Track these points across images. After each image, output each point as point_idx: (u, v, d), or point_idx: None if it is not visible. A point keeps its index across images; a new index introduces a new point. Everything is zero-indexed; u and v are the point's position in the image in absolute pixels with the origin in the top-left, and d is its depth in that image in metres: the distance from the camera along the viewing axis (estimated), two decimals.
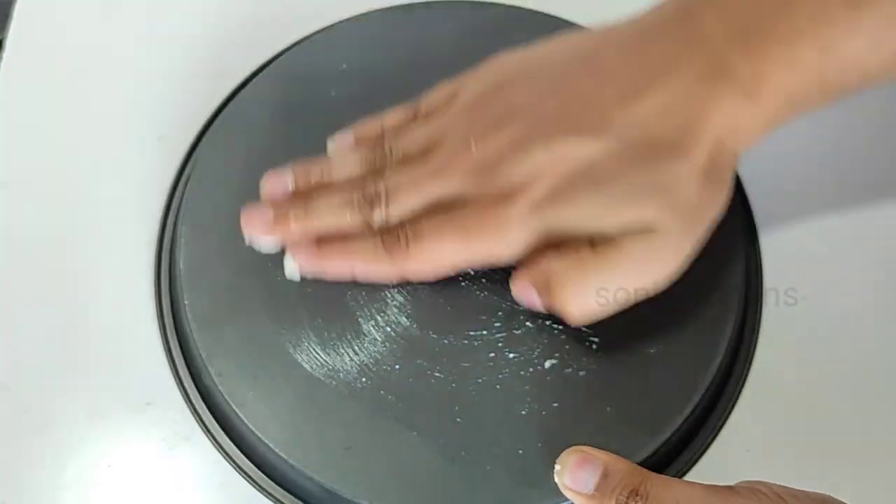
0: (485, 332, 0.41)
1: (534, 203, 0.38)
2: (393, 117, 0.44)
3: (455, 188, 0.39)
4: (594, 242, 0.38)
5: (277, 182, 0.42)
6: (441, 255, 0.40)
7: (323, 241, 0.41)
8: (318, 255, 0.41)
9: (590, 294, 0.38)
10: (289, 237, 0.41)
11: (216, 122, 0.47)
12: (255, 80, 0.48)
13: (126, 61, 0.50)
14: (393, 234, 0.40)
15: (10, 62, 0.50)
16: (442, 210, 0.40)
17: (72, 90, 0.49)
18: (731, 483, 0.37)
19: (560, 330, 0.41)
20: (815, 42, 0.36)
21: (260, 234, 0.42)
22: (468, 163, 0.39)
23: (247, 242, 0.42)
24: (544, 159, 0.38)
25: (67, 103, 0.49)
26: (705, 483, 0.36)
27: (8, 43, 0.50)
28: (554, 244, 0.39)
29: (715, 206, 0.39)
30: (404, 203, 0.40)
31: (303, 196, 0.42)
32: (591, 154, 0.38)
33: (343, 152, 0.43)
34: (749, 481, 0.36)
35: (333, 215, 0.41)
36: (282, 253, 0.42)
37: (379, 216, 0.40)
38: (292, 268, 0.42)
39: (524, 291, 0.40)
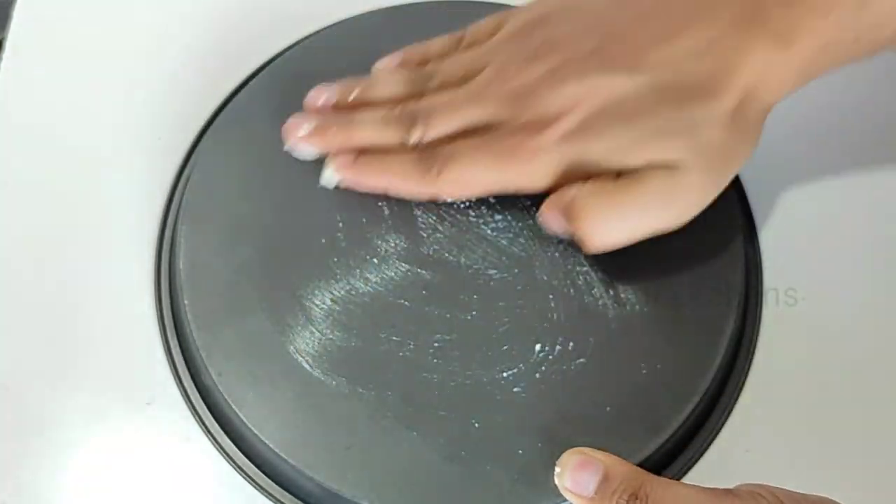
0: (484, 332, 0.41)
1: (564, 133, 0.39)
2: (438, 44, 0.45)
3: (490, 113, 0.41)
4: (620, 176, 0.39)
5: (322, 94, 0.44)
6: (473, 177, 0.41)
7: (361, 154, 0.42)
8: (356, 166, 0.42)
9: (611, 222, 0.40)
10: (328, 147, 0.43)
11: (216, 122, 0.47)
12: (255, 80, 0.48)
13: (126, 61, 0.50)
14: (428, 154, 0.41)
15: (10, 62, 0.50)
16: (477, 134, 0.41)
17: (71, 90, 0.49)
18: (732, 484, 0.37)
19: (560, 330, 0.41)
20: None
21: (301, 141, 0.43)
22: (505, 90, 0.41)
23: (286, 148, 0.43)
24: (578, 91, 0.39)
25: (67, 103, 0.49)
26: (705, 485, 0.36)
27: (8, 43, 0.50)
28: (582, 176, 0.40)
29: (740, 153, 0.40)
30: (441, 124, 0.41)
31: (345, 109, 0.43)
32: (623, 90, 0.39)
33: (387, 73, 0.45)
34: (749, 484, 0.36)
35: (373, 130, 0.42)
36: (281, 256, 0.42)
37: (416, 135, 0.42)
38: (330, 176, 0.43)
39: (550, 217, 0.41)
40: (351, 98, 0.44)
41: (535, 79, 0.41)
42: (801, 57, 0.38)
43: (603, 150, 0.39)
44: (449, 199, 0.43)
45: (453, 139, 0.41)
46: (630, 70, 0.39)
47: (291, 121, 0.43)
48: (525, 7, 0.44)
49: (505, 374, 0.40)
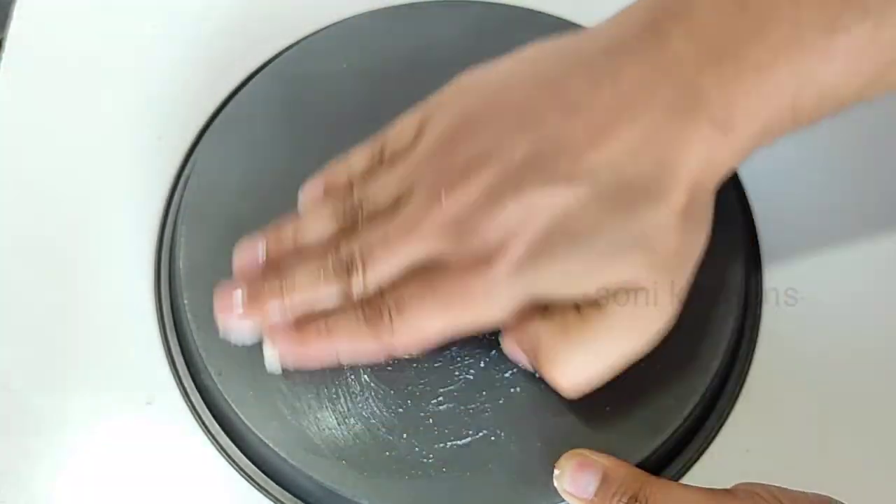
0: (485, 332, 0.41)
1: (514, 264, 0.36)
2: (359, 160, 0.41)
3: (430, 249, 0.37)
4: (579, 306, 0.36)
5: (249, 253, 0.40)
6: (426, 326, 0.38)
7: (301, 322, 0.39)
8: (298, 339, 0.39)
9: (580, 362, 0.37)
10: (265, 319, 0.39)
11: (216, 121, 0.47)
12: (255, 79, 0.48)
13: (126, 61, 0.50)
14: (374, 307, 0.38)
15: (10, 62, 0.50)
16: (421, 272, 0.37)
17: (71, 90, 0.49)
18: (730, 484, 0.37)
19: None
20: (791, 69, 0.34)
21: (236, 317, 0.39)
22: (439, 219, 0.37)
23: (221, 335, 0.40)
24: (518, 213, 0.36)
25: (67, 103, 0.49)
26: (704, 486, 0.36)
27: (8, 43, 0.50)
28: (541, 305, 0.37)
29: (696, 250, 0.37)
30: (380, 269, 0.38)
31: (276, 266, 0.40)
32: (565, 203, 0.35)
33: (313, 207, 0.41)
34: (747, 483, 0.36)
35: (310, 286, 0.39)
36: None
37: (357, 284, 0.38)
38: (272, 358, 0.40)
39: (515, 354, 0.39)
40: (280, 249, 0.40)
41: (469, 202, 0.37)
42: (742, 139, 0.35)
43: (556, 278, 0.36)
44: (404, 353, 0.40)
45: (398, 285, 0.38)
46: (569, 178, 0.35)
47: (220, 293, 0.40)
48: (441, 105, 0.40)
49: (506, 375, 0.40)
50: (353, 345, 0.38)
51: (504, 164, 0.37)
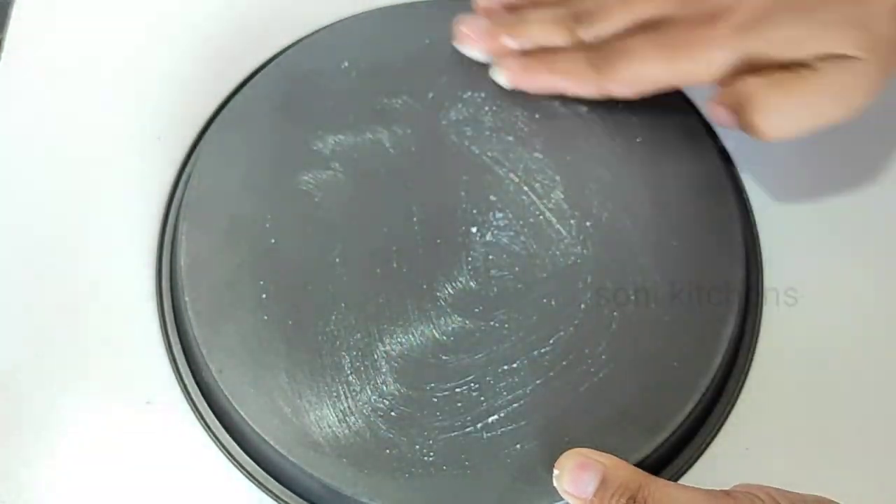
0: (485, 331, 0.41)
1: (738, 25, 0.40)
2: None
3: (663, 8, 0.42)
4: (791, 68, 0.40)
5: None
6: (644, 73, 0.42)
7: (530, 55, 0.44)
8: (526, 67, 0.44)
9: (786, 114, 0.40)
10: (499, 49, 0.44)
11: (217, 119, 0.47)
12: (255, 78, 0.48)
13: (126, 59, 0.50)
14: (599, 51, 0.42)
15: (10, 62, 0.50)
16: (648, 30, 0.42)
17: (71, 89, 0.49)
18: (730, 484, 0.37)
19: (561, 330, 0.41)
20: None
21: (473, 42, 0.45)
22: None
23: (458, 48, 0.45)
24: None
25: (67, 103, 0.49)
26: (702, 487, 0.36)
27: (7, 42, 0.50)
28: (752, 69, 0.40)
29: None
30: (611, 22, 0.42)
31: (515, 10, 0.44)
32: None
33: None
34: (746, 485, 0.36)
35: (542, 30, 0.44)
36: (281, 253, 0.42)
37: (587, 32, 0.43)
38: (502, 80, 0.44)
39: (720, 111, 0.42)
40: None
41: None
42: None
43: (778, 41, 0.40)
44: (619, 96, 0.43)
45: (624, 36, 0.42)
46: None
47: (464, 21, 0.45)
48: None
49: (507, 374, 0.40)
50: (573, 81, 0.43)
51: None
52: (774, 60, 0.40)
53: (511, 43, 0.44)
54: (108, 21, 0.51)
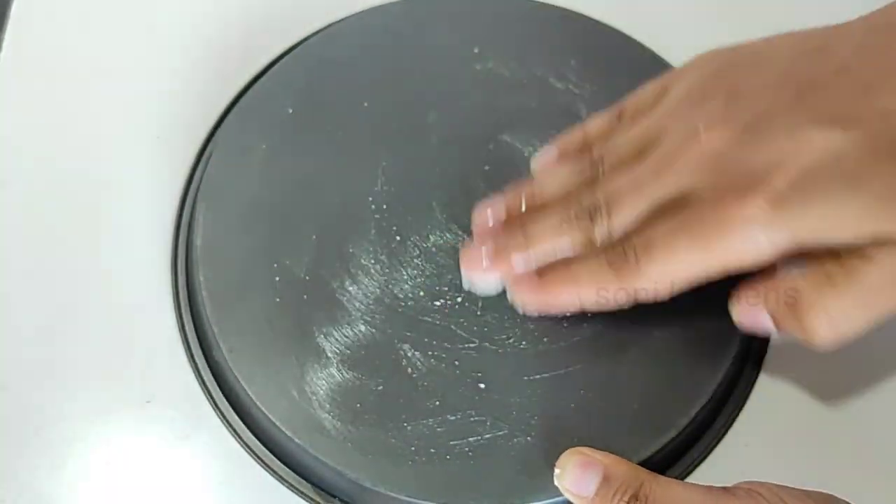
0: (489, 332, 0.41)
1: (777, 195, 0.33)
2: (595, 124, 0.41)
3: (684, 184, 0.35)
4: (838, 255, 0.34)
5: (490, 213, 0.41)
6: (676, 266, 0.35)
7: (544, 270, 0.39)
8: (541, 286, 0.39)
9: (846, 317, 0.34)
10: (510, 271, 0.40)
11: (239, 103, 0.47)
12: (277, 65, 0.48)
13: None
14: (618, 251, 0.37)
15: (10, 61, 0.50)
16: (669, 214, 0.36)
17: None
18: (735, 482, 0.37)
19: (564, 330, 0.41)
20: None
21: (482, 270, 0.40)
22: (697, 154, 0.35)
23: (466, 287, 0.41)
24: (787, 146, 0.34)
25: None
26: (704, 485, 0.36)
27: (6, 42, 0.50)
28: (796, 253, 0.34)
29: None
30: (627, 212, 0.37)
31: (518, 222, 0.40)
32: (839, 146, 0.33)
33: (549, 168, 0.41)
34: (748, 482, 0.36)
35: (553, 237, 0.38)
36: (297, 236, 0.42)
37: (601, 230, 0.37)
38: (518, 307, 0.40)
39: (751, 314, 0.36)
40: (519, 207, 0.40)
41: (732, 136, 0.35)
42: None
43: (825, 219, 0.33)
44: (651, 298, 0.37)
45: (644, 227, 0.36)
46: (843, 123, 0.33)
47: (467, 251, 0.41)
48: (688, 66, 0.39)
49: (510, 372, 0.40)
50: (596, 290, 0.37)
51: (768, 104, 0.35)
52: (820, 243, 0.34)
53: (520, 265, 0.39)
54: (113, 14, 0.51)
